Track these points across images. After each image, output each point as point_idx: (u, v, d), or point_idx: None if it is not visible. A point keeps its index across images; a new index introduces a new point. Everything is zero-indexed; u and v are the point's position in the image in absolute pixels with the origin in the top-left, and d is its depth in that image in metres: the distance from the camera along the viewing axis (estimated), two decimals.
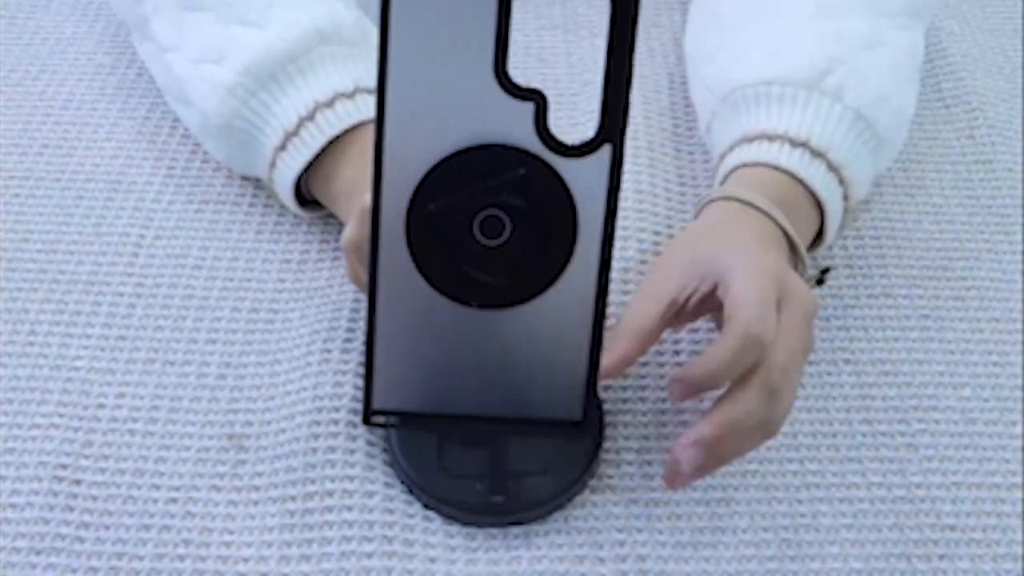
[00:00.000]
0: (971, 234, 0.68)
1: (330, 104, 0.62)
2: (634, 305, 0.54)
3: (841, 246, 0.67)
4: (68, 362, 0.60)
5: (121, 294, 0.64)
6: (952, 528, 0.54)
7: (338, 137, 0.62)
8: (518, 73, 0.78)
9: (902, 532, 0.54)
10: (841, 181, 0.61)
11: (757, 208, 0.57)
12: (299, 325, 0.62)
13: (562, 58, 0.81)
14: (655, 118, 0.75)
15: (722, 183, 0.62)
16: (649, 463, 0.56)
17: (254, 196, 0.70)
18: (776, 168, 0.59)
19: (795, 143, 0.60)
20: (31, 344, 0.61)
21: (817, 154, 0.60)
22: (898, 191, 0.71)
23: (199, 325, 0.62)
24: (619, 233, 0.66)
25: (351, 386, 0.58)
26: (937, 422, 0.58)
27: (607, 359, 0.53)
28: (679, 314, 0.55)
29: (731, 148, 0.62)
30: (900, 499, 0.55)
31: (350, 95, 0.62)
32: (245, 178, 0.70)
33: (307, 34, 0.63)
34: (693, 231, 0.59)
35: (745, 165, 0.60)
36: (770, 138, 0.60)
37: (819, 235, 0.63)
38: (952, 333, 0.63)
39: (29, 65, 0.80)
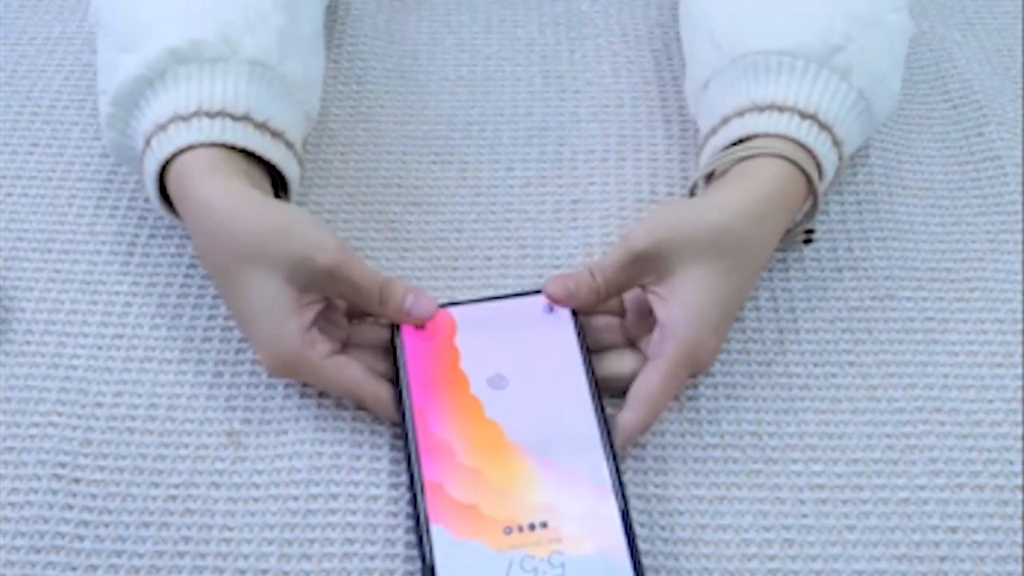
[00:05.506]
0: (976, 234, 0.71)
1: (164, 127, 0.62)
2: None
3: (847, 248, 0.70)
4: (65, 360, 0.63)
5: (117, 293, 0.67)
6: (955, 530, 0.57)
7: (182, 158, 0.62)
8: (520, 70, 0.82)
9: (905, 534, 0.57)
10: (840, 157, 0.66)
11: (792, 162, 0.63)
12: None
13: (565, 55, 0.84)
14: (660, 126, 0.78)
15: (726, 147, 0.66)
16: (655, 459, 0.60)
17: None
18: (786, 138, 0.64)
19: (804, 115, 0.64)
20: (28, 343, 0.64)
21: (824, 127, 0.64)
22: (906, 192, 0.74)
23: (195, 323, 0.65)
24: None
25: None
26: (942, 424, 0.61)
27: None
28: None
29: (739, 114, 0.66)
30: (903, 500, 0.58)
31: (186, 117, 0.62)
32: None
33: (161, 56, 0.62)
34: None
35: (757, 135, 0.64)
36: (780, 109, 0.65)
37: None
38: (956, 335, 0.66)
39: (16, 65, 0.83)
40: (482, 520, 0.54)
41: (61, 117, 0.79)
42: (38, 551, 0.55)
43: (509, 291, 0.67)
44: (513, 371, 0.60)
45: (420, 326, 0.61)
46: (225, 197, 0.60)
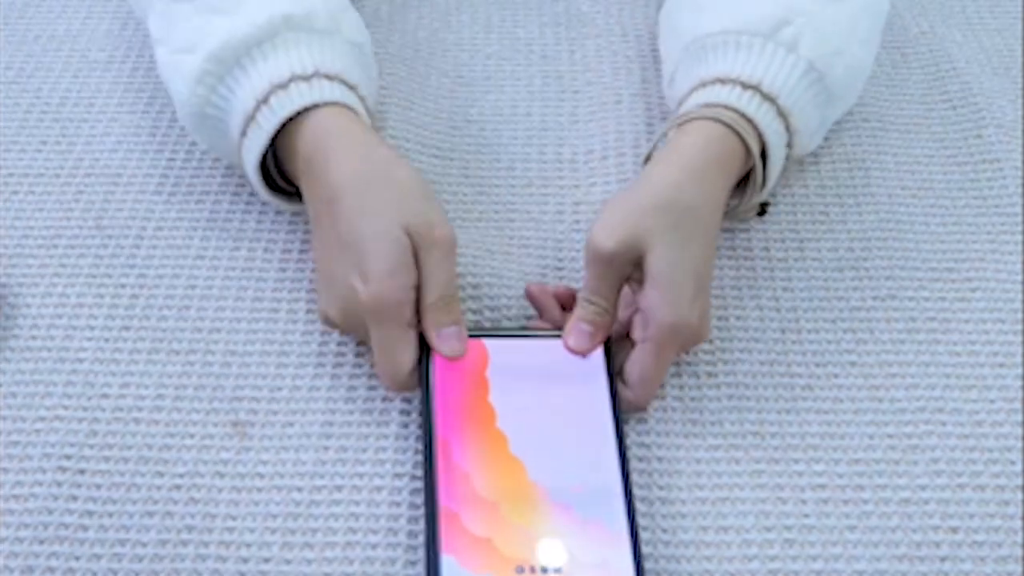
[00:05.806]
0: (977, 235, 0.71)
1: (285, 86, 0.63)
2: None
3: (848, 249, 0.70)
4: (72, 354, 0.64)
5: (123, 286, 0.67)
6: (956, 530, 0.57)
7: (300, 119, 0.63)
8: (520, 69, 0.82)
9: (906, 534, 0.57)
10: (788, 128, 0.66)
11: (724, 124, 0.63)
12: (305, 320, 0.66)
13: (565, 55, 0.85)
14: (659, 125, 0.78)
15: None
16: (659, 459, 0.60)
17: None
18: (727, 107, 0.65)
19: (746, 86, 0.65)
20: (34, 337, 0.64)
21: (767, 98, 0.65)
22: (905, 193, 0.74)
23: (202, 315, 0.66)
24: None
25: (364, 388, 0.63)
26: (943, 424, 0.62)
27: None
28: None
29: (688, 93, 0.67)
30: (904, 501, 0.58)
31: (307, 77, 0.63)
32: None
33: (274, 19, 0.64)
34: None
35: (699, 106, 0.65)
36: (723, 82, 0.66)
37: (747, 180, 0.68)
38: (958, 335, 0.66)
39: (24, 63, 0.83)
40: (495, 556, 0.53)
41: (70, 115, 0.79)
42: (42, 542, 0.56)
43: (510, 290, 0.67)
44: (541, 410, 0.59)
45: None
46: (385, 146, 0.63)
